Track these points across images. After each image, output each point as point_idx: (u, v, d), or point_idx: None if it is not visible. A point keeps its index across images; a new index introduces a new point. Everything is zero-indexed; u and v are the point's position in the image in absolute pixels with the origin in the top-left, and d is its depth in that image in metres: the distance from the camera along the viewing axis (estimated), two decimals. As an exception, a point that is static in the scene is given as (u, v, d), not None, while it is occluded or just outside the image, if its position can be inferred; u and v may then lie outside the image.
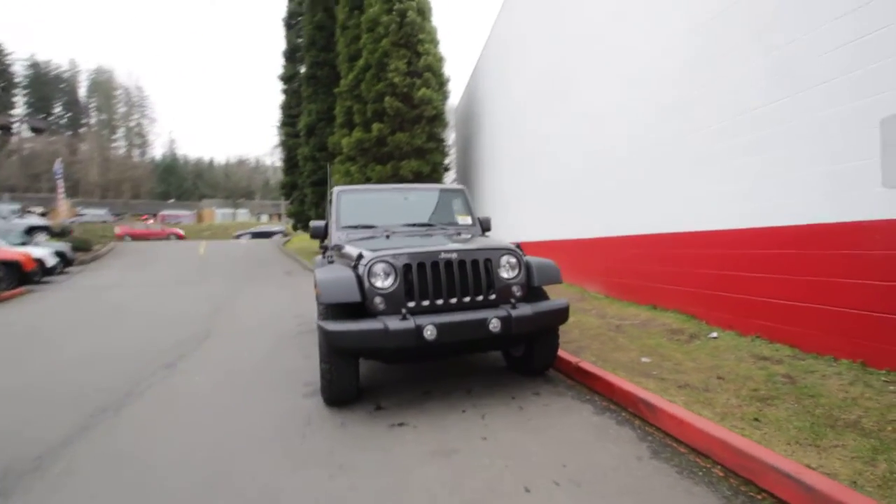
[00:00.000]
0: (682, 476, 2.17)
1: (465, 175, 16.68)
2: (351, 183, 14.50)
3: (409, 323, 2.87)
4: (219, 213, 52.29)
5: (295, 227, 22.77)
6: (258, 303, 8.92)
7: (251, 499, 2.13)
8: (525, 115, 10.14)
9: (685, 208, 5.01)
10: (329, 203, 5.70)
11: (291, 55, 21.21)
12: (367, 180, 14.46)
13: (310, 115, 18.04)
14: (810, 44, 3.51)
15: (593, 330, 4.86)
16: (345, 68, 15.74)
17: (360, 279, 3.09)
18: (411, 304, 3.10)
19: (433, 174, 15.32)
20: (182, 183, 63.29)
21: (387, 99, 13.91)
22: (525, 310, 3.16)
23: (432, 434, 2.76)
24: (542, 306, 3.27)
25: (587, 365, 3.55)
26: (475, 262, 3.29)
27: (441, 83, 15.09)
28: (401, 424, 2.91)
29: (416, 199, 4.81)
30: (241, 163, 69.71)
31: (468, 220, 4.70)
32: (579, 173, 7.43)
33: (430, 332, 2.87)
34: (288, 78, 21.58)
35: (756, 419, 2.57)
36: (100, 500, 2.18)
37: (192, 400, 3.54)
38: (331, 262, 4.10)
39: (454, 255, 3.25)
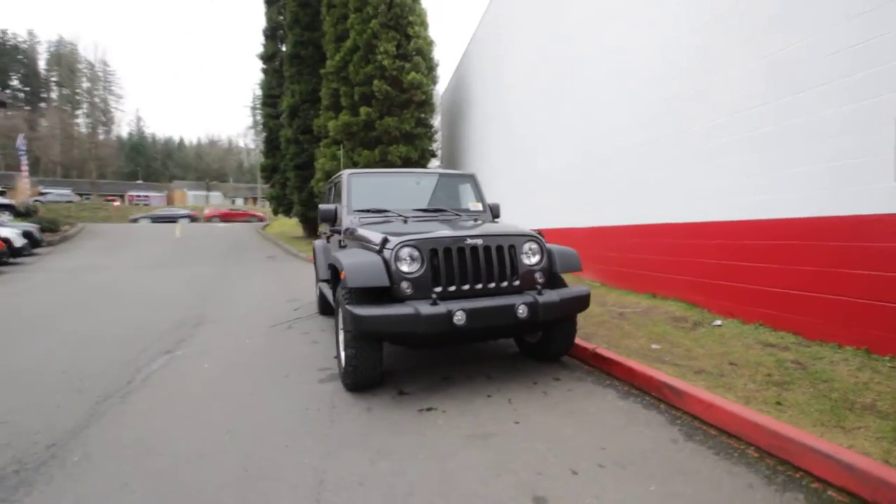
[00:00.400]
0: (720, 457, 2.24)
1: (452, 162, 16.58)
2: (338, 168, 14.25)
3: (441, 308, 2.84)
4: (191, 196, 50.60)
5: (276, 212, 22.23)
6: (247, 287, 8.72)
7: (295, 485, 2.09)
8: (519, 105, 10.10)
9: (685, 201, 5.11)
10: (329, 189, 5.58)
11: (272, 33, 20.51)
12: (355, 165, 14.22)
13: (293, 97, 17.54)
14: (810, 48, 3.59)
15: (597, 317, 4.94)
16: (331, 49, 15.32)
17: (386, 263, 3.04)
18: (438, 290, 3.08)
19: (421, 160, 15.18)
20: (150, 163, 60.81)
21: (375, 82, 13.64)
22: (552, 296, 3.18)
23: (463, 418, 2.76)
24: (566, 293, 3.29)
25: (604, 351, 3.61)
26: (500, 248, 3.28)
27: (430, 67, 14.89)
28: (429, 409, 2.91)
29: (426, 184, 4.75)
30: (214, 143, 67.49)
31: (479, 206, 4.67)
32: (575, 164, 7.48)
33: (459, 318, 2.86)
34: (268, 57, 20.89)
35: (778, 403, 2.67)
36: (132, 489, 2.09)
37: (203, 386, 3.44)
38: (343, 247, 4.03)
39: (479, 241, 3.23)
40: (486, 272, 3.21)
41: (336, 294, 3.41)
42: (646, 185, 5.81)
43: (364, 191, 4.41)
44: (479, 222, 4.17)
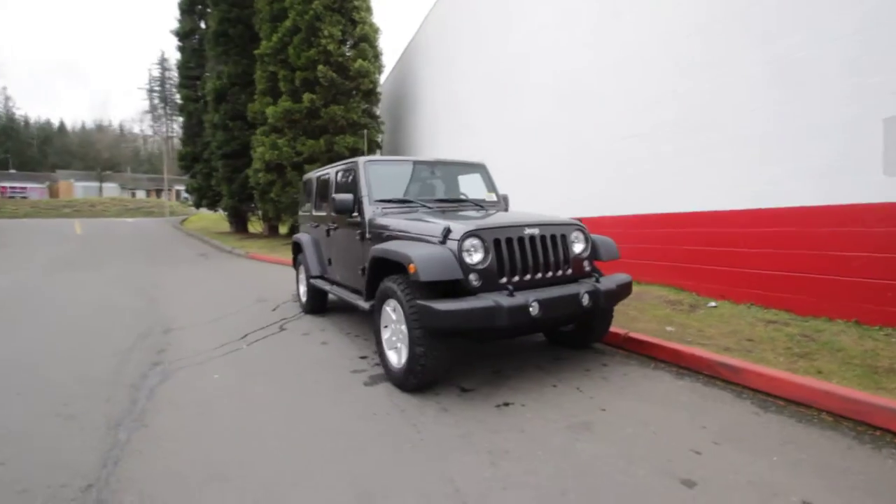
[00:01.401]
0: (805, 424, 2.44)
1: (396, 154, 16.25)
2: (280, 157, 13.35)
3: (520, 299, 2.76)
4: (79, 187, 44.31)
5: (198, 205, 20.24)
6: (196, 289, 7.86)
7: (432, 497, 1.91)
8: (476, 99, 10.12)
9: (674, 192, 5.49)
10: (309, 182, 5.18)
11: (190, 7, 18.50)
12: (298, 155, 13.41)
13: (220, 79, 16.01)
14: (808, 54, 4.04)
15: (598, 304, 5.14)
16: (266, 28, 14.21)
17: (452, 255, 2.89)
18: (503, 281, 2.99)
19: (370, 152, 14.70)
20: (24, 150, 52.19)
21: (320, 67, 12.93)
22: (609, 284, 3.24)
23: (548, 410, 2.72)
24: (618, 280, 3.38)
25: (638, 335, 3.77)
26: (553, 238, 3.27)
27: (376, 55, 14.43)
28: (506, 404, 2.82)
29: (441, 174, 4.60)
30: (103, 129, 59.58)
31: (493, 196, 4.62)
32: (557, 154, 7.69)
33: (534, 309, 2.80)
34: (185, 34, 18.81)
35: (819, 371, 2.97)
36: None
37: (229, 399, 3.02)
38: (369, 239, 3.76)
39: (536, 231, 3.19)
40: (544, 261, 3.18)
41: (385, 289, 3.17)
42: (632, 179, 6.14)
43: (381, 180, 4.15)
44: (502, 213, 4.13)
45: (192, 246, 16.03)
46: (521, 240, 3.11)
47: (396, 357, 3.18)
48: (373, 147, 14.83)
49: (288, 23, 13.54)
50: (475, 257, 2.93)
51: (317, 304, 5.48)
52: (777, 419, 2.52)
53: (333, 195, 3.97)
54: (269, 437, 2.50)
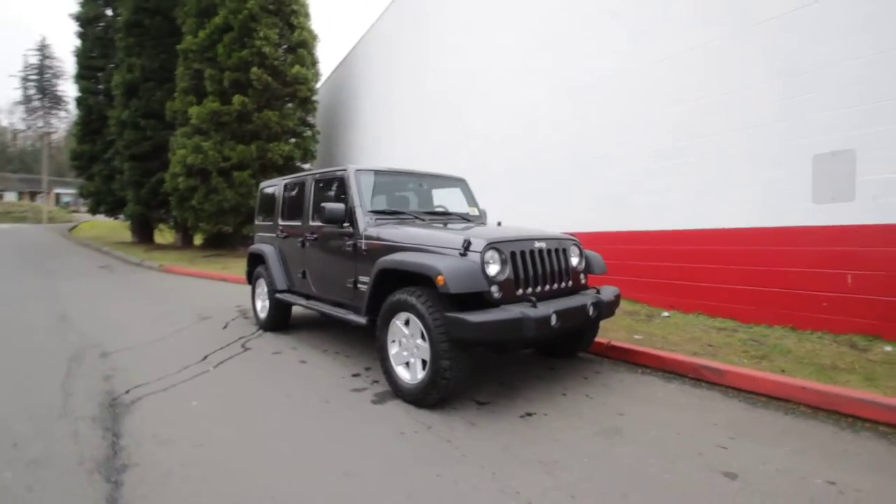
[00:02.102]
0: (792, 416, 2.78)
1: (330, 165, 15.78)
2: (205, 161, 12.33)
3: (544, 311, 2.83)
4: (-78, 186, 36.77)
5: (94, 211, 17.83)
6: (115, 306, 6.92)
7: (506, 512, 1.87)
8: (435, 118, 10.18)
9: (620, 214, 6.00)
10: (304, 189, 4.88)
11: (93, -10, 16.53)
12: (226, 160, 12.47)
13: (131, 72, 14.44)
14: (749, 98, 4.71)
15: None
16: (191, 23, 13.18)
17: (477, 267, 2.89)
18: (519, 292, 3.05)
19: (304, 161, 14.13)
20: None
21: (254, 70, 12.26)
22: (609, 295, 3.45)
23: (570, 419, 2.79)
24: (613, 292, 3.59)
25: (620, 343, 4.03)
26: (557, 251, 3.41)
27: (314, 63, 14.02)
28: (529, 414, 2.85)
29: (428, 187, 4.57)
30: (-43, 119, 50.33)
31: (476, 210, 4.69)
32: (503, 175, 7.98)
33: (554, 319, 2.89)
34: (89, 20, 16.72)
35: (783, 370, 3.41)
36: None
37: (225, 431, 2.68)
38: (366, 252, 3.62)
39: (543, 245, 3.31)
40: (551, 273, 3.30)
41: (397, 302, 3.05)
42: (578, 197, 6.58)
43: (371, 190, 4.02)
44: (498, 226, 4.21)
45: (88, 257, 14.07)
46: (531, 252, 3.20)
47: (408, 373, 3.07)
48: (309, 156, 14.27)
49: (218, 20, 12.67)
50: (495, 269, 2.96)
51: (279, 320, 5.10)
52: (767, 413, 2.84)
53: (324, 205, 3.75)
54: (306, 466, 2.27)
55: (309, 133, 14.26)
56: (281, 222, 5.00)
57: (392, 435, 2.59)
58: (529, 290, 3.12)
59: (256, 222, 5.74)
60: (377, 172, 4.16)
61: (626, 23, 5.91)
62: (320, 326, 5.42)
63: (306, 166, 14.73)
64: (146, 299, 7.66)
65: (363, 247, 3.66)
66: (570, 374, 3.64)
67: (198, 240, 18.35)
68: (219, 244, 17.14)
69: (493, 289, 2.91)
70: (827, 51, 4.14)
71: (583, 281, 3.62)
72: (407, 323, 3.08)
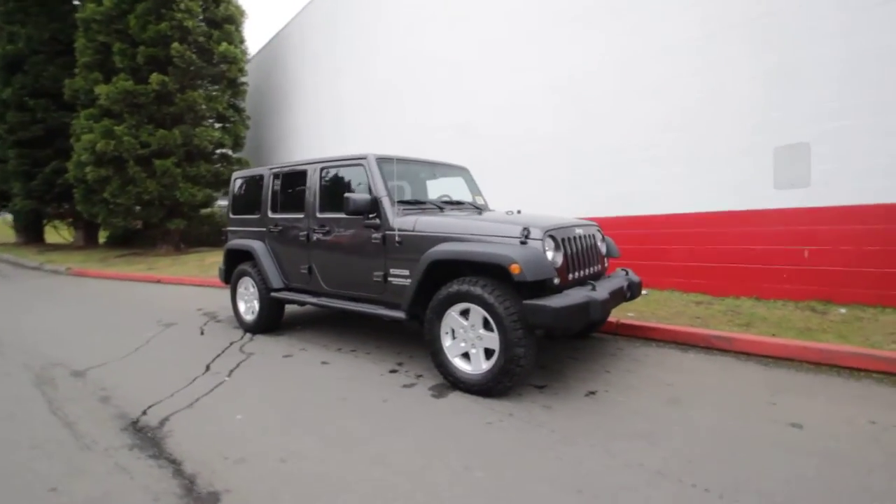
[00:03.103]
0: (804, 373, 3.22)
1: (260, 152, 14.71)
2: (119, 148, 10.89)
3: (603, 294, 2.97)
4: None
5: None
6: (36, 317, 5.96)
7: (666, 484, 1.98)
8: (388, 107, 9.89)
9: (596, 202, 6.39)
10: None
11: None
12: (145, 147, 11.09)
13: (13, 42, 12.15)
14: (721, 95, 5.26)
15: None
16: (93, -12, 11.38)
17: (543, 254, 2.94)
18: (570, 278, 3.17)
19: (235, 149, 13.05)
20: None
21: (175, 45, 11.03)
22: (635, 277, 3.69)
23: (630, 393, 2.97)
24: (633, 274, 3.85)
25: (629, 321, 4.35)
26: (590, 237, 3.58)
27: (242, 41, 12.90)
28: (592, 393, 2.99)
29: (440, 175, 4.49)
30: None
31: (481, 199, 4.72)
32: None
33: (607, 302, 3.05)
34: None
35: (773, 334, 3.92)
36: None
37: (301, 444, 2.48)
38: (399, 244, 3.50)
39: (581, 231, 3.45)
40: (588, 259, 3.46)
41: (456, 293, 3.00)
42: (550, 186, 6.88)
43: (391, 179, 3.86)
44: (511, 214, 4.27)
45: (-36, 262, 11.77)
46: (574, 239, 3.32)
47: (468, 364, 3.06)
48: (240, 143, 13.16)
49: (127, -14, 11.10)
50: (552, 256, 3.03)
51: (272, 321, 4.75)
52: (783, 372, 3.27)
53: (349, 195, 3.53)
54: (419, 467, 2.18)
55: (237, 118, 13.14)
56: (273, 215, 4.61)
57: (480, 426, 2.58)
58: (577, 274, 3.25)
59: (231, 216, 5.23)
60: (398, 161, 4.00)
61: (599, 25, 6.24)
62: (316, 324, 5.13)
63: (237, 156, 13.59)
64: (74, 307, 6.68)
65: (396, 238, 3.52)
66: (597, 353, 3.85)
67: (102, 238, 16.13)
68: (129, 242, 15.26)
69: (554, 275, 2.99)
70: (785, 59, 4.76)
71: (606, 264, 3.84)
72: (464, 314, 3.05)
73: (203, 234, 14.50)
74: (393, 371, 3.54)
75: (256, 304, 4.76)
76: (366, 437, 2.50)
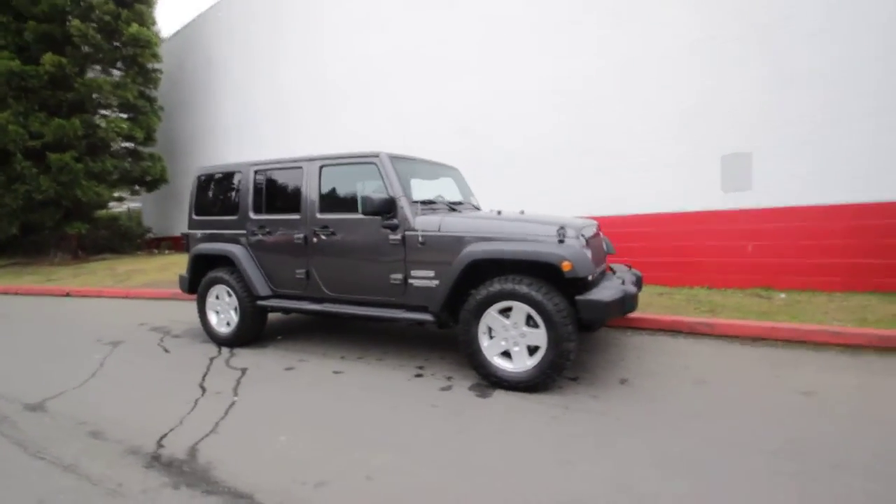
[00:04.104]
0: (782, 349, 3.72)
1: (175, 150, 13.29)
2: (3, 139, 9.20)
3: (633, 287, 3.17)
4: None
5: None
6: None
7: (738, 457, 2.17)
8: (347, 107, 9.44)
9: (561, 205, 6.75)
10: (302, 175, 4.15)
11: None
12: (36, 138, 9.47)
13: None
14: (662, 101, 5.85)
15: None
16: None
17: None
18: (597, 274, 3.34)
19: (147, 143, 11.63)
20: None
21: (75, 23, 9.65)
22: (637, 272, 3.97)
23: (658, 379, 3.19)
24: (634, 269, 4.14)
25: (618, 313, 4.66)
26: (599, 235, 3.79)
27: (154, 22, 11.55)
28: (624, 381, 3.16)
29: (440, 174, 4.42)
30: None
31: (474, 200, 4.75)
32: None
33: (633, 294, 3.28)
34: None
35: (742, 318, 4.46)
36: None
37: (376, 463, 2.32)
38: (423, 244, 3.42)
39: (594, 230, 3.65)
40: (601, 256, 3.67)
41: (499, 292, 3.00)
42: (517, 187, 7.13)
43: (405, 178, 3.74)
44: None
45: None
46: (591, 237, 3.50)
47: (509, 362, 3.07)
48: (152, 137, 11.74)
49: (8, -53, 9.35)
50: (589, 254, 3.17)
51: (254, 332, 4.35)
52: (768, 350, 3.74)
53: (369, 195, 3.35)
54: (514, 470, 2.15)
55: (149, 108, 11.72)
56: (256, 216, 4.21)
57: (546, 421, 2.61)
58: (598, 271, 3.43)
59: (194, 217, 4.68)
60: (408, 161, 3.89)
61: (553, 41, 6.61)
62: (297, 333, 4.77)
63: (148, 150, 12.10)
64: (19, 331, 5.50)
65: (419, 239, 3.42)
66: (600, 344, 4.07)
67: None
68: (7, 251, 12.88)
69: (588, 271, 3.13)
70: (727, 78, 5.45)
71: (607, 262, 4.09)
72: (505, 312, 3.07)
73: (102, 240, 12.70)
74: (418, 375, 3.44)
75: (234, 315, 4.32)
76: (442, 443, 2.41)
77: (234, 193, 4.40)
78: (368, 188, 3.76)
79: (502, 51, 7.15)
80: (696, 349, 3.86)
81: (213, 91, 12.34)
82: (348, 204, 3.87)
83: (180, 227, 13.75)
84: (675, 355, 3.71)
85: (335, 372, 3.59)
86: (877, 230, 4.78)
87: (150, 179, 11.81)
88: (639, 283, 3.85)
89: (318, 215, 3.87)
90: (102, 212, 12.16)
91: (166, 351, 4.37)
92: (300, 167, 4.01)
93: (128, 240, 13.13)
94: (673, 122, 5.84)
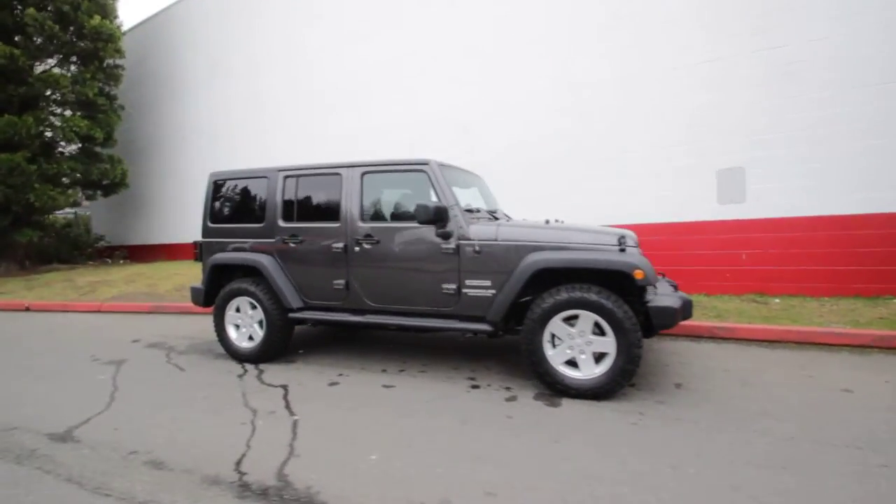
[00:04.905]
0: (796, 351, 4.01)
1: (130, 153, 12.39)
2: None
3: (686, 294, 3.32)
4: None
5: None
6: None
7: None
8: (336, 111, 9.19)
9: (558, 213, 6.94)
10: (342, 182, 3.99)
11: None
12: (-19, 135, 8.55)
13: None
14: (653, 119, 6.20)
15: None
16: None
17: (645, 261, 3.17)
18: (645, 282, 3.47)
19: (106, 143, 10.79)
20: None
21: (30, 11, 8.82)
22: (672, 281, 4.15)
23: (706, 381, 3.35)
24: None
25: (638, 319, 4.85)
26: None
27: (116, 15, 10.79)
28: (678, 385, 3.30)
29: (471, 183, 4.41)
30: None
31: (500, 208, 4.78)
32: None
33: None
34: None
35: (749, 322, 4.77)
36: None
37: (499, 479, 2.28)
38: (478, 253, 3.41)
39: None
40: (645, 265, 3.83)
41: (567, 301, 3.04)
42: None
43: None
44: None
45: None
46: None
47: (575, 370, 3.11)
48: (111, 137, 10.89)
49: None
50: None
51: (280, 347, 4.14)
52: (782, 353, 4.02)
53: (423, 203, 3.30)
54: (641, 482, 2.17)
55: (109, 107, 10.88)
56: (286, 224, 4.02)
57: (627, 427, 2.65)
58: (651, 279, 3.57)
59: (210, 225, 4.39)
60: (453, 168, 3.87)
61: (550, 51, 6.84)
62: (318, 346, 4.58)
63: (107, 152, 11.21)
64: None
65: (475, 248, 3.40)
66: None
67: None
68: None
69: (647, 280, 3.24)
70: (720, 98, 5.86)
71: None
72: (569, 320, 3.11)
73: (51, 249, 11.57)
74: (475, 386, 3.40)
75: (259, 329, 4.09)
76: (539, 454, 2.39)
77: (258, 200, 4.18)
78: (414, 196, 3.71)
79: (500, 58, 7.30)
80: (722, 353, 4.09)
81: (179, 91, 11.66)
82: (393, 212, 3.80)
83: (140, 234, 12.82)
84: (709, 358, 3.90)
85: (385, 386, 3.48)
86: (855, 240, 5.29)
87: (109, 183, 10.92)
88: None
89: (361, 223, 3.76)
90: (52, 217, 11.07)
91: (181, 369, 4.05)
92: (338, 174, 3.88)
93: (77, 248, 12.04)
94: (673, 137, 6.19)
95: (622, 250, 3.14)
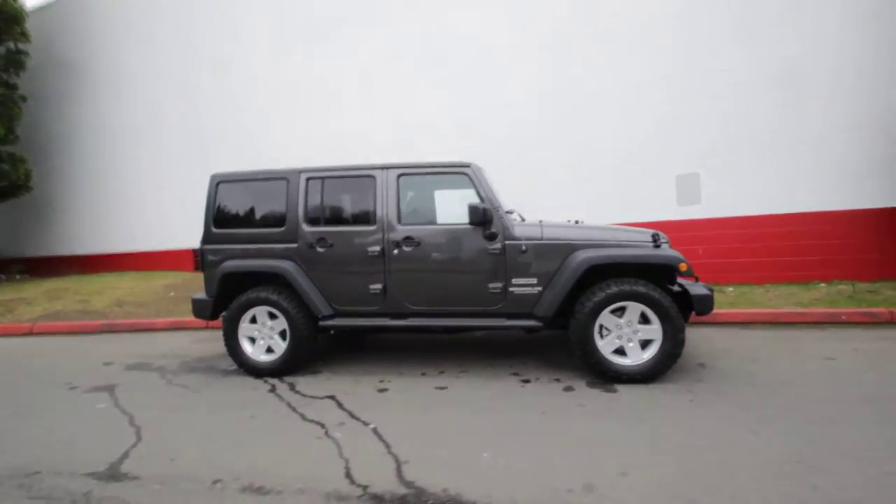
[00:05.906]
0: (793, 329, 4.65)
1: (32, 152, 10.75)
2: None
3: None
4: None
5: None
6: None
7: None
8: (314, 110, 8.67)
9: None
10: (374, 184, 3.84)
11: None
12: None
13: None
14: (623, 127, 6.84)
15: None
16: None
17: (678, 255, 3.51)
18: (669, 275, 3.84)
19: (6, 140, 9.26)
20: None
21: None
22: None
23: (736, 368, 3.78)
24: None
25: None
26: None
27: (17, -5, 9.32)
28: (702, 364, 3.69)
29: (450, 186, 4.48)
30: None
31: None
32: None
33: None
34: None
35: (736, 309, 5.43)
36: None
37: (610, 466, 2.41)
38: (524, 252, 3.55)
39: (649, 236, 4.18)
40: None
41: (617, 293, 3.27)
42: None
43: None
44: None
45: None
46: (652, 242, 4.01)
47: (624, 357, 3.35)
48: (13, 133, 9.33)
49: None
50: (673, 256, 3.64)
51: (308, 356, 3.93)
52: (763, 332, 4.65)
53: (475, 204, 3.35)
54: (731, 460, 2.43)
55: (9, 98, 9.31)
56: (312, 228, 3.81)
57: (689, 406, 2.91)
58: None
59: (213, 230, 4.02)
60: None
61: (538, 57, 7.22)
62: (336, 353, 4.40)
63: (7, 149, 9.57)
64: None
65: (522, 248, 3.53)
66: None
67: None
68: None
69: (679, 272, 3.60)
70: (678, 110, 6.61)
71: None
72: (618, 312, 3.35)
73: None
74: (525, 381, 3.51)
75: (280, 340, 3.83)
76: (636, 436, 2.55)
77: (276, 203, 3.92)
78: (454, 198, 3.74)
79: (473, 67, 7.52)
80: (719, 335, 4.61)
81: (98, 83, 10.32)
82: (431, 214, 3.80)
83: (42, 245, 11.12)
84: (713, 340, 4.39)
85: (438, 388, 3.46)
86: (791, 235, 6.26)
87: (8, 185, 9.33)
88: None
89: (399, 226, 3.70)
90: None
91: (193, 390, 3.66)
92: (371, 176, 3.78)
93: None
94: (637, 145, 6.83)
95: (657, 246, 3.46)
